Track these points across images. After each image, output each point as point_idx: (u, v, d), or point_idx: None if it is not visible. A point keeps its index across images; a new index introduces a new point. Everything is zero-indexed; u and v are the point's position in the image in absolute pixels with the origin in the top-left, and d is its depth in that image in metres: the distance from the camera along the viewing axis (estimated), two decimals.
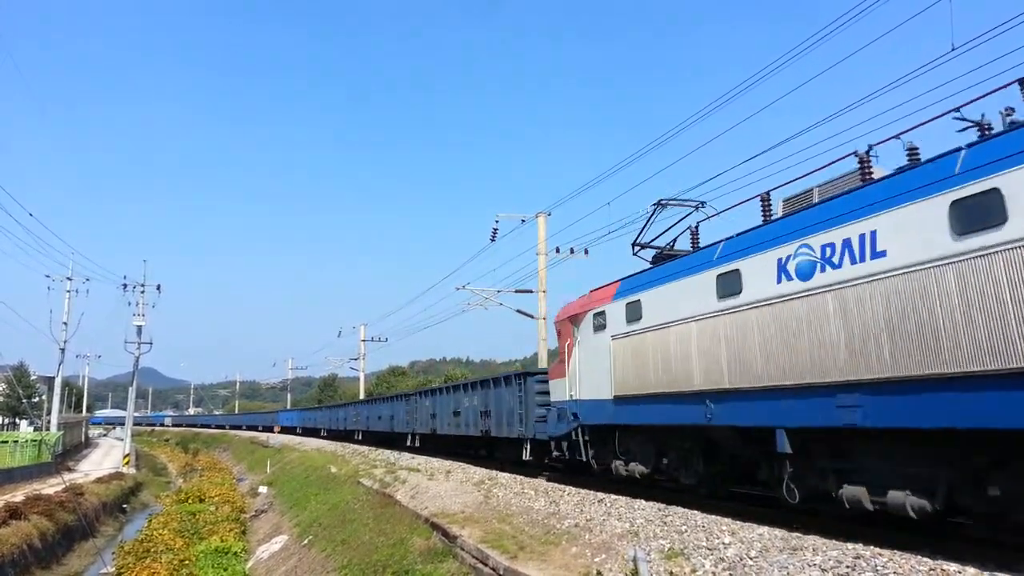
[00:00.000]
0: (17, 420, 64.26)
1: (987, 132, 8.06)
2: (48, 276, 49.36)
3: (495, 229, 28.63)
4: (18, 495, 27.44)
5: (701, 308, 11.07)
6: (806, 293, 9.08)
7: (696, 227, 13.22)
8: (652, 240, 14.54)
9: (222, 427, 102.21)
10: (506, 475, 18.93)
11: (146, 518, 29.07)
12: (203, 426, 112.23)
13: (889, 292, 7.92)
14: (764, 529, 9.42)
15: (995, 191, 6.91)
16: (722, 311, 10.59)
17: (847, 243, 8.54)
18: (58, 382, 51.41)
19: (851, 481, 8.88)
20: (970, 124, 8.27)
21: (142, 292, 49.15)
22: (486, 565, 10.52)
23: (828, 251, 8.80)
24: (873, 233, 8.21)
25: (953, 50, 10.60)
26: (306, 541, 19.76)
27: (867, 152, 9.23)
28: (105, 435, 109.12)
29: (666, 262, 13.03)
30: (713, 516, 10.70)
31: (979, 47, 10.53)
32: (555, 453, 17.17)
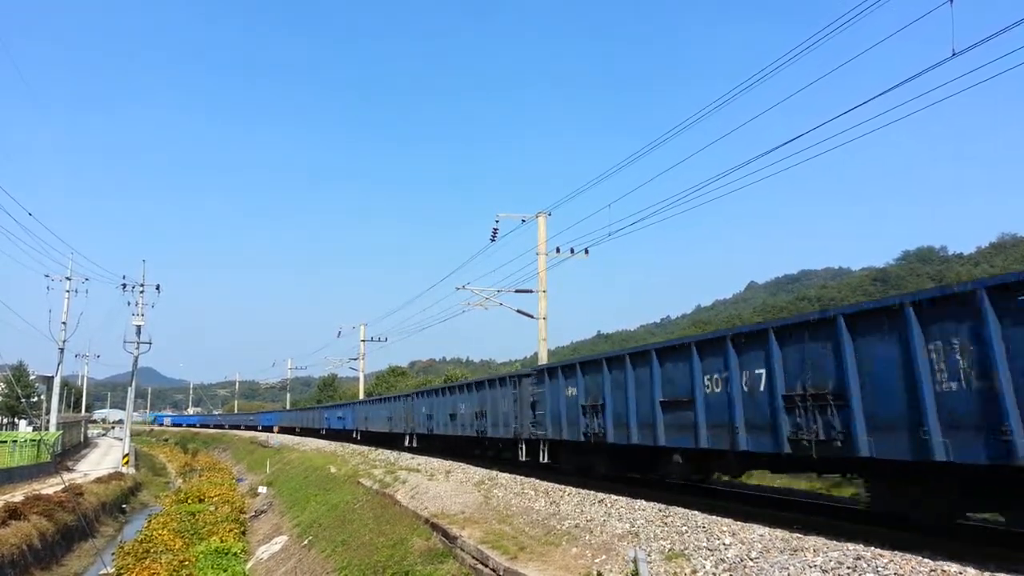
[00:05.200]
0: (16, 420, 64.27)
1: None
2: (47, 276, 49.49)
3: (495, 229, 28.67)
4: (17, 495, 27.42)
5: None
6: None
7: None
8: None
9: (252, 428, 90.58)
10: (506, 475, 18.90)
11: (146, 518, 29.08)
12: (232, 427, 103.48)
13: None
14: (765, 530, 9.42)
15: None
16: None
17: None
18: (57, 381, 51.42)
19: None
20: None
21: (141, 292, 49.18)
22: (486, 566, 10.53)
23: None
24: None
25: (954, 55, 10.61)
26: (306, 542, 19.76)
27: None
28: (104, 434, 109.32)
29: None
30: (714, 516, 10.70)
31: (980, 51, 10.54)
32: None
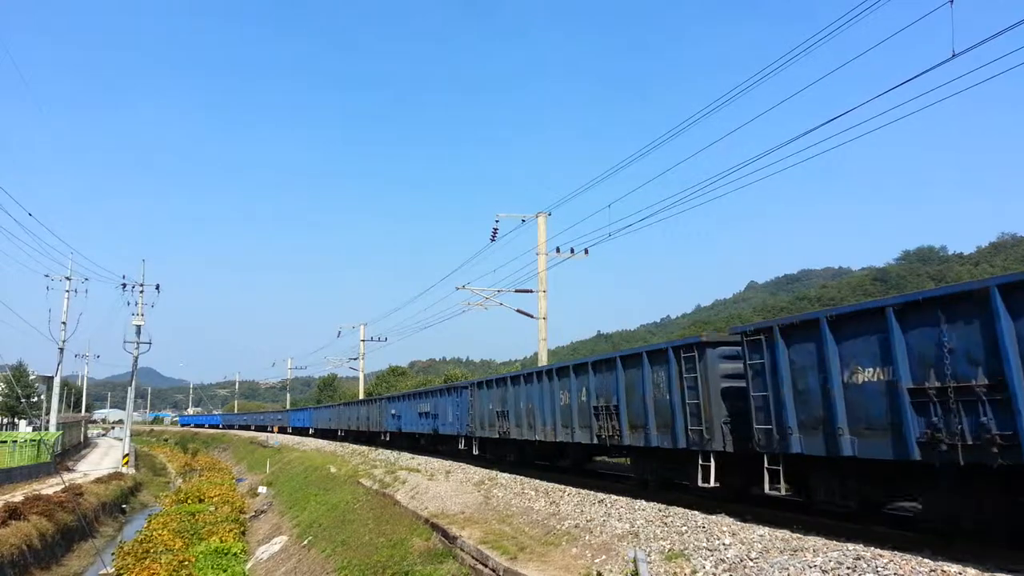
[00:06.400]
0: (16, 420, 64.26)
1: None
2: (47, 276, 49.38)
3: (495, 229, 28.65)
4: (17, 495, 27.41)
5: None
6: None
7: None
8: None
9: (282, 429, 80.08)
10: (506, 476, 18.91)
11: (145, 518, 29.08)
12: (258, 427, 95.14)
13: None
14: (765, 530, 9.42)
15: None
16: None
17: None
18: (57, 382, 51.37)
19: None
20: None
21: (141, 292, 49.13)
22: (486, 566, 10.53)
23: None
24: None
25: (954, 55, 10.60)
26: (306, 542, 19.76)
27: None
28: (104, 434, 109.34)
29: None
30: (714, 517, 10.70)
31: (980, 52, 10.52)
32: None
